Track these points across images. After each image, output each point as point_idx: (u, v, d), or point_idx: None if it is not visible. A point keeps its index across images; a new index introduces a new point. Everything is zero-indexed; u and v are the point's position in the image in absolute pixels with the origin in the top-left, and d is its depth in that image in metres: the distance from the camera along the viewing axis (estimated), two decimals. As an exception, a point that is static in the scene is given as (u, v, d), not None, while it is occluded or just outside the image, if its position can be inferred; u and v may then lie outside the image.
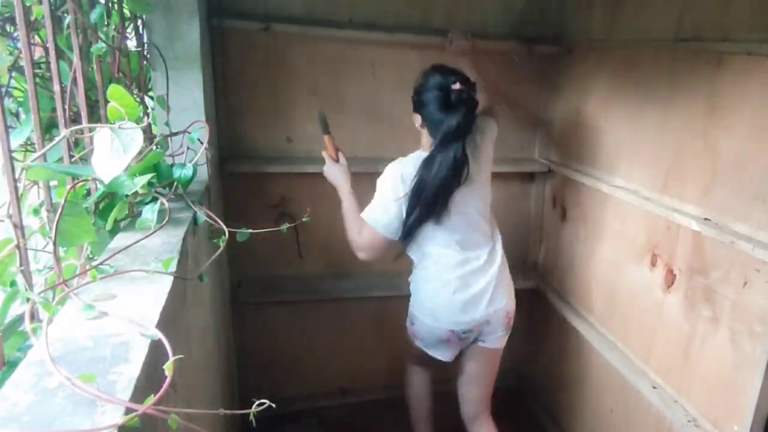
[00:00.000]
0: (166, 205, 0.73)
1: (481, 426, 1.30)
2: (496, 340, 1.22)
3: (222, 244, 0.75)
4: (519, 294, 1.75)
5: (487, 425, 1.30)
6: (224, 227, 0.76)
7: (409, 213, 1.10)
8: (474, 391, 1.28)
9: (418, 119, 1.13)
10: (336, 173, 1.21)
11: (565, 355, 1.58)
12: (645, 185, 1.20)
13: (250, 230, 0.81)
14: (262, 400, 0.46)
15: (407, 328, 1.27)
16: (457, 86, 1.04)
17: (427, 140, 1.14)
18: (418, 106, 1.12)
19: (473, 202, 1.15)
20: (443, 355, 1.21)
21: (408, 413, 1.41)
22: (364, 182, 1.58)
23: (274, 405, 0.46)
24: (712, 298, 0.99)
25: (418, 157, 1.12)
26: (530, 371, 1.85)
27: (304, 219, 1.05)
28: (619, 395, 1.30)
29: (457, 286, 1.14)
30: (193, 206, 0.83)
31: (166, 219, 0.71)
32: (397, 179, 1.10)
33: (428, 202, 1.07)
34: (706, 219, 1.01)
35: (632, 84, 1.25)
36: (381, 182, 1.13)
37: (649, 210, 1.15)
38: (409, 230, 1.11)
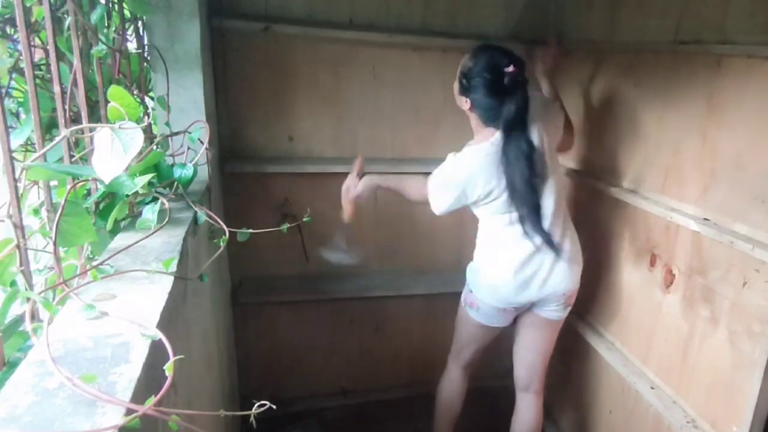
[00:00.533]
0: (167, 205, 0.73)
1: (526, 398, 1.30)
2: (552, 312, 1.19)
3: (222, 245, 0.75)
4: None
5: (533, 399, 1.29)
6: (225, 227, 0.76)
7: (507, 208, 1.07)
8: (527, 358, 1.27)
9: (465, 102, 1.09)
10: (361, 184, 1.21)
11: (564, 355, 1.58)
12: (644, 185, 1.21)
13: (251, 230, 0.81)
14: (263, 402, 0.46)
15: (462, 299, 1.25)
16: (511, 69, 0.99)
17: (476, 123, 1.10)
18: (467, 90, 1.07)
19: (548, 189, 1.11)
20: (500, 322, 1.21)
21: (430, 412, 1.39)
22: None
23: (274, 407, 0.46)
24: (711, 298, 0.99)
25: (478, 150, 1.07)
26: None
27: (304, 219, 1.05)
28: (618, 396, 1.30)
29: (516, 266, 1.12)
30: (193, 206, 0.83)
31: (166, 219, 0.71)
32: (457, 184, 1.08)
33: (524, 198, 1.04)
34: (705, 219, 1.01)
35: (631, 85, 1.25)
36: (444, 173, 1.11)
37: (647, 210, 1.15)
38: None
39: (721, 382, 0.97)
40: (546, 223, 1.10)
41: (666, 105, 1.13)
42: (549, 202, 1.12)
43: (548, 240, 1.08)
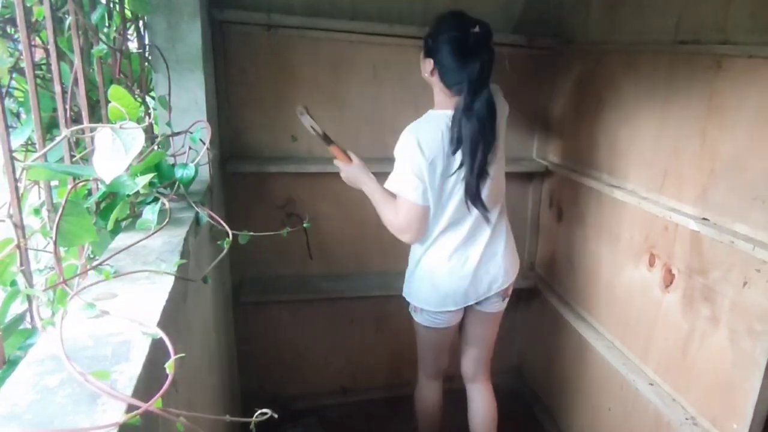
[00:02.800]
0: (167, 205, 0.73)
1: (475, 387, 1.32)
2: (492, 305, 1.22)
3: (226, 247, 0.75)
4: (517, 294, 1.75)
5: (482, 388, 1.32)
6: (228, 229, 0.76)
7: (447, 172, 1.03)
8: (473, 352, 1.30)
9: (428, 65, 1.06)
10: (355, 174, 1.17)
11: (564, 354, 1.58)
12: (643, 185, 1.21)
13: (252, 233, 0.81)
14: (264, 410, 0.45)
15: (410, 307, 1.25)
16: (476, 29, 0.99)
17: (439, 90, 1.07)
18: (432, 50, 1.04)
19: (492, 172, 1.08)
20: (446, 322, 1.20)
21: (413, 418, 1.39)
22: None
23: (276, 415, 0.46)
24: (712, 297, 0.99)
25: (432, 117, 1.06)
26: (529, 370, 1.85)
27: (304, 224, 1.05)
28: (618, 394, 1.30)
29: (457, 271, 1.14)
30: (195, 207, 0.83)
31: (167, 220, 0.71)
32: (414, 149, 1.03)
33: (473, 150, 1.00)
34: (704, 219, 1.01)
35: (631, 85, 1.25)
36: (398, 152, 1.07)
37: (646, 210, 1.16)
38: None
39: (721, 379, 0.97)
40: (493, 207, 1.12)
41: (666, 105, 1.13)
42: (496, 191, 1.13)
43: (484, 212, 1.07)
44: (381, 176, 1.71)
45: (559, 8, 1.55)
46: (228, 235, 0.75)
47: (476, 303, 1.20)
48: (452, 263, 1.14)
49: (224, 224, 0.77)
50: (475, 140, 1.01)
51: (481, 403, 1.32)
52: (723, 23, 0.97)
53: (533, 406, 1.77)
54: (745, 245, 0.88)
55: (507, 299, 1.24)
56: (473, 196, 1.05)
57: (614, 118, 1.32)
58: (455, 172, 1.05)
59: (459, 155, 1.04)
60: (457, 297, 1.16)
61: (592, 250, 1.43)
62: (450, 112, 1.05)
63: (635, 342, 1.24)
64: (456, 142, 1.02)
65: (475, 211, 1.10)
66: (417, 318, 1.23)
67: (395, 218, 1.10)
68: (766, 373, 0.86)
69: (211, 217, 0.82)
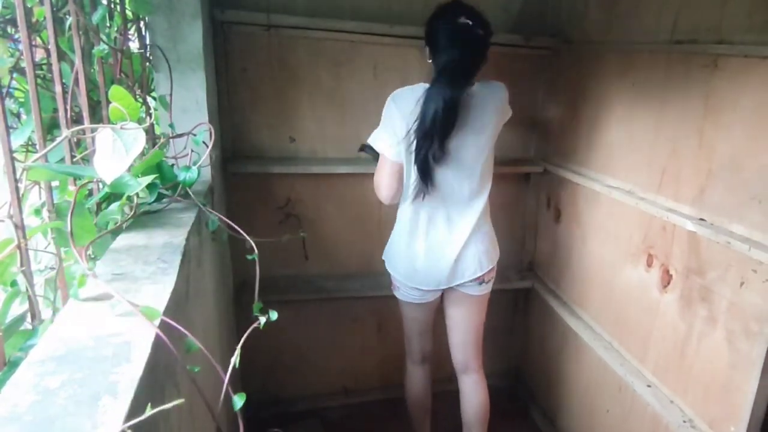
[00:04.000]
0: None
1: (468, 379, 1.31)
2: (472, 288, 1.22)
3: (254, 259, 0.76)
4: (515, 294, 1.76)
5: (473, 379, 1.30)
6: (249, 239, 0.77)
7: (417, 149, 1.06)
8: (458, 337, 1.29)
9: (426, 52, 1.11)
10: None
11: (561, 354, 1.58)
12: (640, 185, 1.21)
13: (256, 239, 0.81)
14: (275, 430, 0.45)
15: (393, 287, 1.29)
16: (462, 20, 1.01)
17: (432, 71, 1.09)
18: (427, 37, 1.09)
19: (461, 155, 1.11)
20: (422, 298, 1.23)
21: (407, 414, 1.41)
22: (367, 182, 1.59)
23: (278, 430, 0.46)
24: (709, 297, 1.00)
25: (417, 87, 1.08)
26: (526, 371, 1.86)
27: (301, 234, 1.06)
28: (616, 395, 1.30)
29: (422, 249, 1.16)
30: (203, 208, 0.83)
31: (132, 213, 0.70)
32: (390, 108, 1.10)
33: (425, 139, 1.03)
34: (701, 219, 1.01)
35: (628, 84, 1.25)
36: (386, 111, 1.13)
37: (644, 210, 1.16)
38: (421, 168, 1.07)
39: (718, 381, 0.97)
40: (460, 196, 1.13)
41: (662, 105, 1.13)
42: (469, 183, 1.14)
43: (423, 177, 1.07)
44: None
45: (557, 8, 1.56)
46: (254, 249, 0.75)
47: (458, 287, 1.22)
48: (410, 238, 1.18)
49: (243, 233, 0.78)
50: (431, 122, 1.02)
51: (472, 395, 1.31)
52: (719, 23, 0.97)
53: (530, 407, 1.77)
54: (741, 246, 0.89)
55: (486, 284, 1.24)
56: (423, 173, 1.08)
57: (612, 118, 1.32)
58: (412, 142, 1.07)
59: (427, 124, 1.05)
60: (418, 274, 1.18)
61: (590, 250, 1.43)
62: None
63: (633, 343, 1.25)
64: (418, 118, 1.04)
65: (439, 193, 1.12)
66: (396, 294, 1.28)
67: (375, 174, 1.17)
68: (762, 374, 0.86)
69: (229, 226, 0.82)
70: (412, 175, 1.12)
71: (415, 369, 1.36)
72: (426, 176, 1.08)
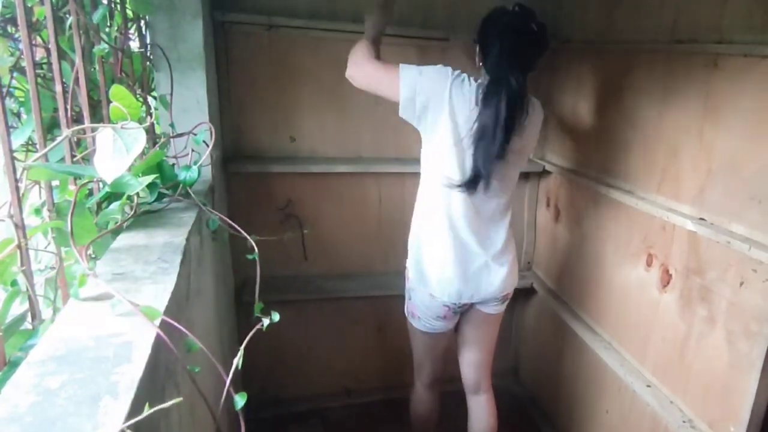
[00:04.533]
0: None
1: (479, 399, 1.27)
2: (491, 308, 1.19)
3: (254, 258, 0.76)
4: (514, 294, 1.75)
5: (483, 400, 1.27)
6: (249, 237, 0.77)
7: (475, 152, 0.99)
8: (472, 356, 1.25)
9: (477, 51, 1.06)
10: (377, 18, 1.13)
11: (561, 355, 1.58)
12: (640, 185, 1.21)
13: (257, 237, 0.81)
14: None
15: (405, 310, 1.23)
16: (517, 9, 0.98)
17: (483, 72, 1.06)
18: (479, 36, 1.04)
19: (504, 170, 1.06)
20: (442, 327, 1.18)
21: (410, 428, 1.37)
22: (368, 182, 1.59)
23: None
24: (709, 297, 1.00)
25: (462, 75, 1.03)
26: (525, 371, 1.86)
27: (304, 231, 1.05)
28: (615, 396, 1.30)
29: (458, 254, 1.09)
30: (204, 208, 0.83)
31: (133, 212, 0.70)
32: (445, 69, 1.02)
33: (492, 139, 0.97)
34: (701, 219, 1.01)
35: (628, 84, 1.25)
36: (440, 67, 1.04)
37: (643, 210, 1.16)
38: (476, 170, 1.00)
39: (718, 381, 0.97)
40: (495, 203, 1.08)
41: (663, 104, 1.13)
42: (506, 190, 1.11)
43: (476, 178, 1.00)
44: (382, 176, 1.71)
45: (557, 8, 1.56)
46: (254, 248, 0.75)
47: (475, 304, 1.18)
48: (441, 244, 1.10)
49: (244, 233, 0.78)
50: (495, 114, 0.96)
51: (482, 416, 1.28)
52: (719, 22, 0.97)
53: (529, 407, 1.77)
54: (741, 245, 0.89)
55: (506, 303, 1.22)
56: (484, 168, 1.00)
57: (611, 118, 1.32)
58: (463, 136, 1.00)
59: (467, 124, 1.00)
60: (447, 286, 1.11)
61: (589, 250, 1.43)
62: (470, 78, 1.03)
63: (633, 343, 1.25)
64: (480, 110, 0.98)
65: (476, 198, 1.05)
66: (415, 324, 1.21)
67: (360, 48, 1.09)
68: (762, 374, 0.86)
69: (230, 225, 0.82)
70: (457, 169, 1.03)
71: (424, 391, 1.29)
72: (487, 172, 1.00)
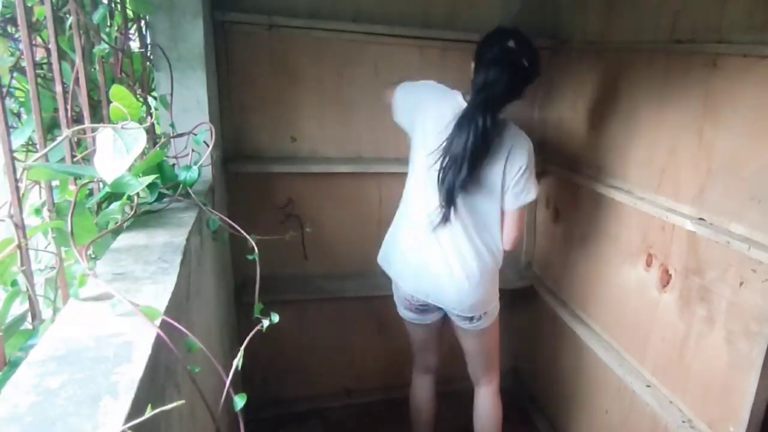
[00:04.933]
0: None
1: (479, 391, 1.34)
2: (463, 322, 1.19)
3: (253, 259, 0.76)
4: (513, 294, 1.75)
5: (484, 392, 1.32)
6: (249, 237, 0.77)
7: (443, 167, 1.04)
8: (468, 356, 1.31)
9: (472, 69, 1.10)
10: None
11: (561, 354, 1.58)
12: (639, 185, 1.21)
13: (257, 237, 0.81)
14: None
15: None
16: (511, 44, 1.01)
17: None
18: (475, 56, 1.08)
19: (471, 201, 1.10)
20: (418, 318, 1.24)
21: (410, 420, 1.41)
22: (368, 182, 1.59)
23: None
24: (708, 297, 1.00)
25: (452, 94, 1.10)
26: (525, 371, 1.86)
27: (307, 229, 1.05)
28: (615, 396, 1.30)
29: (414, 248, 1.16)
30: (204, 208, 0.83)
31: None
32: (429, 83, 1.15)
33: (458, 167, 1.03)
34: (700, 219, 1.01)
35: (627, 84, 1.26)
36: (423, 83, 1.16)
37: (643, 210, 1.16)
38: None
39: (717, 381, 0.97)
40: (470, 220, 1.11)
41: (662, 104, 1.13)
42: (486, 209, 1.12)
43: (447, 202, 1.06)
44: (383, 176, 1.70)
45: (556, 8, 1.56)
46: (254, 248, 0.76)
47: (447, 314, 1.21)
48: (408, 234, 1.17)
49: (243, 232, 0.78)
50: (462, 148, 1.02)
51: (481, 407, 1.34)
52: (718, 22, 0.97)
53: (529, 407, 1.77)
54: (741, 245, 0.89)
55: (476, 322, 1.19)
56: (448, 199, 1.06)
57: (611, 118, 1.32)
58: (432, 152, 1.07)
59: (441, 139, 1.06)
60: (402, 272, 1.19)
61: (589, 250, 1.44)
62: (461, 102, 1.08)
63: (632, 343, 1.25)
64: (448, 140, 1.04)
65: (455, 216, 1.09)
66: (397, 306, 1.28)
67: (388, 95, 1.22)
68: (762, 374, 0.86)
69: (230, 225, 0.82)
70: (432, 198, 1.09)
71: (419, 378, 1.37)
72: (450, 203, 1.07)
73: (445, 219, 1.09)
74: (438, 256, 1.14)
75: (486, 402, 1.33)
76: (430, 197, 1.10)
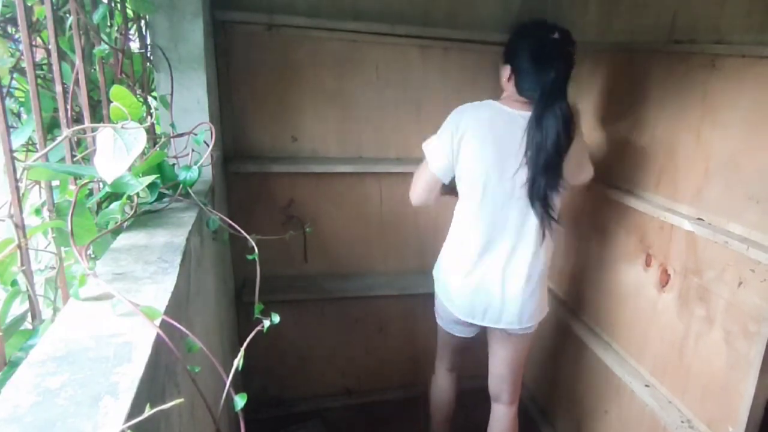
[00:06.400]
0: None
1: (498, 408, 1.28)
2: (513, 328, 1.16)
3: (253, 259, 0.76)
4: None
5: (503, 410, 1.27)
6: (249, 237, 0.77)
7: (531, 178, 1.00)
8: (496, 369, 1.26)
9: (506, 71, 1.04)
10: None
11: (560, 355, 1.59)
12: (638, 185, 1.21)
13: (258, 237, 0.81)
14: None
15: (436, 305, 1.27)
16: (556, 35, 0.97)
17: (510, 95, 1.05)
18: (510, 55, 1.03)
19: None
20: (463, 332, 1.22)
21: (427, 413, 1.41)
22: (369, 182, 1.59)
23: None
24: (707, 297, 1.00)
25: (487, 105, 1.04)
26: (524, 371, 1.85)
27: (306, 229, 1.05)
28: (614, 396, 1.31)
29: (473, 275, 1.10)
30: (206, 209, 0.83)
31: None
32: (452, 126, 1.04)
33: (549, 167, 0.98)
34: (699, 219, 1.01)
35: (626, 84, 1.26)
36: (445, 123, 1.08)
37: (642, 210, 1.16)
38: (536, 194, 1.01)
39: (716, 381, 0.97)
40: (535, 230, 1.07)
41: (661, 104, 1.13)
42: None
43: (544, 208, 1.01)
44: (383, 176, 1.70)
45: (556, 8, 1.56)
46: (254, 248, 0.76)
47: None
48: (466, 267, 1.11)
49: (245, 233, 0.78)
50: (539, 149, 0.98)
51: (499, 424, 1.28)
52: (717, 23, 0.97)
53: (529, 407, 1.77)
54: (739, 245, 0.89)
55: (531, 330, 1.18)
56: (546, 207, 1.02)
57: (610, 118, 1.33)
58: (512, 176, 1.02)
59: (515, 160, 1.01)
60: (463, 309, 1.14)
61: (588, 250, 1.44)
62: (509, 108, 1.04)
63: (631, 343, 1.25)
64: (526, 149, 0.99)
65: (512, 227, 1.06)
66: (438, 320, 1.27)
67: (415, 175, 1.14)
68: (761, 374, 0.86)
69: (230, 225, 0.82)
70: (489, 207, 1.04)
71: (444, 375, 1.36)
72: (548, 209, 1.02)
73: (543, 234, 1.04)
74: (498, 277, 1.09)
75: (506, 424, 1.27)
76: (497, 217, 1.05)
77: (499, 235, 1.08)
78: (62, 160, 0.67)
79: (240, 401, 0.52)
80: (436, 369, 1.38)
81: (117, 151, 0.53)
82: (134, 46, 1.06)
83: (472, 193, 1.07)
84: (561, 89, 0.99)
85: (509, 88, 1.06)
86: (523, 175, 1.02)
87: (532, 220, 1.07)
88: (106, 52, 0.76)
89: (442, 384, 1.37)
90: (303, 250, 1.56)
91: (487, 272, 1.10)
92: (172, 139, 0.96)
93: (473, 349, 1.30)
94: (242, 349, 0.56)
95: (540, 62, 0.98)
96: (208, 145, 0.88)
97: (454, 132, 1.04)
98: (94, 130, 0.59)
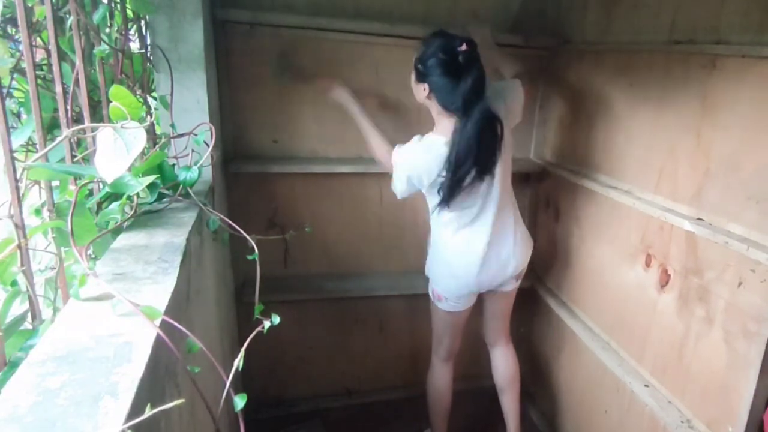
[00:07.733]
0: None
1: (496, 351, 1.48)
2: (507, 287, 1.33)
3: (254, 259, 0.76)
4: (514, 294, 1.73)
5: (502, 351, 1.47)
6: (249, 238, 0.77)
7: (451, 185, 1.10)
8: (492, 323, 1.44)
9: (423, 90, 1.11)
10: (339, 95, 1.29)
11: (559, 354, 1.59)
12: (638, 185, 1.21)
13: (258, 237, 0.81)
14: None
15: (430, 295, 1.35)
16: (463, 47, 1.02)
17: (437, 112, 1.14)
18: (423, 75, 1.10)
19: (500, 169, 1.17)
20: (466, 304, 1.32)
21: (425, 409, 1.47)
22: (368, 182, 1.59)
23: None
24: (707, 297, 1.00)
25: (431, 145, 1.13)
26: (524, 371, 1.85)
27: (306, 229, 1.06)
28: (614, 396, 1.31)
29: (464, 250, 1.23)
30: (205, 209, 0.83)
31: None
32: (407, 169, 1.16)
33: (486, 158, 1.09)
34: (699, 219, 1.02)
35: (626, 85, 1.26)
36: (399, 161, 1.17)
37: (642, 210, 1.16)
38: (452, 194, 1.12)
39: (716, 381, 0.97)
40: (495, 199, 1.20)
41: (660, 105, 1.13)
42: (501, 179, 1.20)
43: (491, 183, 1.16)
44: (383, 177, 1.70)
45: (556, 8, 1.56)
46: (254, 248, 0.76)
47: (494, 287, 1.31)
48: (457, 240, 1.22)
49: (243, 232, 0.78)
50: (473, 152, 1.07)
51: (502, 364, 1.46)
52: (717, 23, 0.97)
53: (528, 407, 1.77)
54: (739, 245, 0.89)
55: (520, 279, 1.35)
56: (490, 173, 1.14)
57: (610, 118, 1.33)
58: (467, 183, 1.12)
59: (463, 167, 1.10)
60: (469, 280, 1.25)
61: (588, 250, 1.44)
62: (444, 140, 1.11)
63: (631, 343, 1.25)
64: (454, 162, 1.08)
65: (479, 201, 1.19)
66: (441, 306, 1.32)
67: (385, 162, 1.23)
68: (760, 375, 0.87)
69: (230, 225, 0.82)
70: (458, 200, 1.16)
71: (441, 366, 1.42)
72: (486, 173, 1.13)
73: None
74: (489, 237, 1.22)
75: (509, 359, 1.45)
76: (466, 204, 1.18)
77: (476, 213, 1.21)
78: (62, 160, 0.67)
79: (240, 401, 0.52)
80: (432, 362, 1.44)
81: (117, 151, 0.53)
82: (134, 46, 1.06)
83: (439, 199, 1.17)
84: (479, 93, 1.05)
85: (433, 106, 1.13)
86: (474, 173, 1.11)
87: (495, 190, 1.20)
88: (106, 52, 0.76)
89: (440, 374, 1.42)
90: (303, 250, 1.55)
91: (478, 245, 1.22)
92: (172, 140, 0.96)
93: (467, 333, 1.40)
94: (242, 350, 0.56)
95: (455, 76, 1.04)
96: (208, 146, 0.88)
97: (411, 175, 1.16)
98: (94, 130, 0.59)
